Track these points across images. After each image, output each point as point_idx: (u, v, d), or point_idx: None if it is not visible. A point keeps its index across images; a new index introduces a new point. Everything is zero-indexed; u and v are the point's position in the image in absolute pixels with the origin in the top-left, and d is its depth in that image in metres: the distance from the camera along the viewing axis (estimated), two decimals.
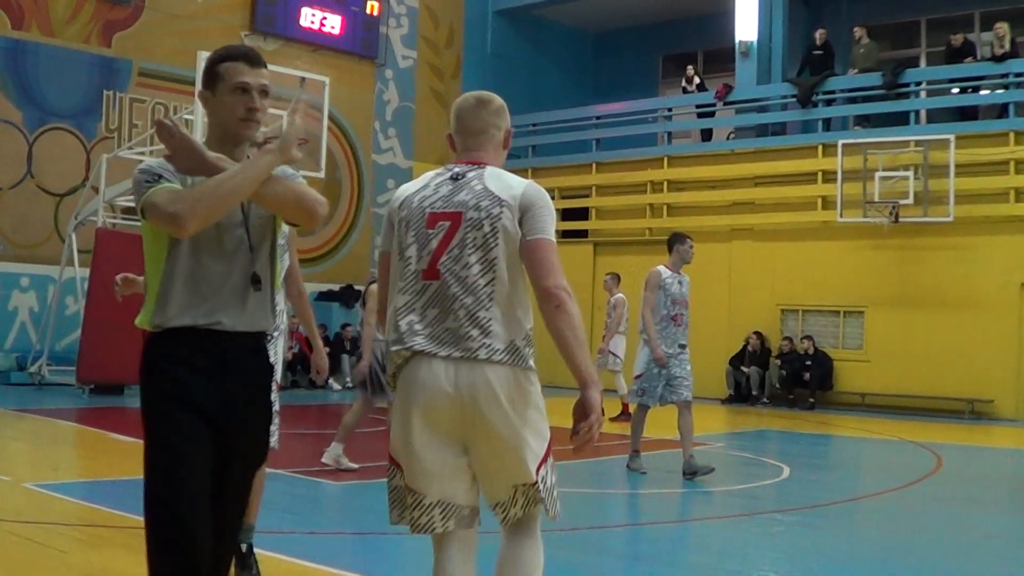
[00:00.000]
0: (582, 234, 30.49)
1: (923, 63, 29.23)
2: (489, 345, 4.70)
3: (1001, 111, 24.88)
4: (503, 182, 4.90)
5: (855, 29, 27.12)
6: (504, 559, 5.20)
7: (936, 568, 8.87)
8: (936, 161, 23.57)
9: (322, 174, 22.05)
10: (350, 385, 25.06)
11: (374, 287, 11.06)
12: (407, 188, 5.16)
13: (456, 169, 5.09)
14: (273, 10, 27.23)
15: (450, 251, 4.79)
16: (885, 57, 27.70)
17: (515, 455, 4.86)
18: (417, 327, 4.79)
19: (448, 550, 5.17)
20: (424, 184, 5.06)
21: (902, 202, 23.70)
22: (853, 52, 27.01)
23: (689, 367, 13.96)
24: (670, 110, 30.46)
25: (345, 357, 25.83)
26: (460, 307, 4.75)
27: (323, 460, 12.67)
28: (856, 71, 26.50)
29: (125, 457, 13.22)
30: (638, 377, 13.61)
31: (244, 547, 6.49)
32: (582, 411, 4.89)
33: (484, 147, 5.28)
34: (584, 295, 28.75)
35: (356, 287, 28.24)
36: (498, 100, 5.57)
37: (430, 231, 4.91)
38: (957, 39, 25.73)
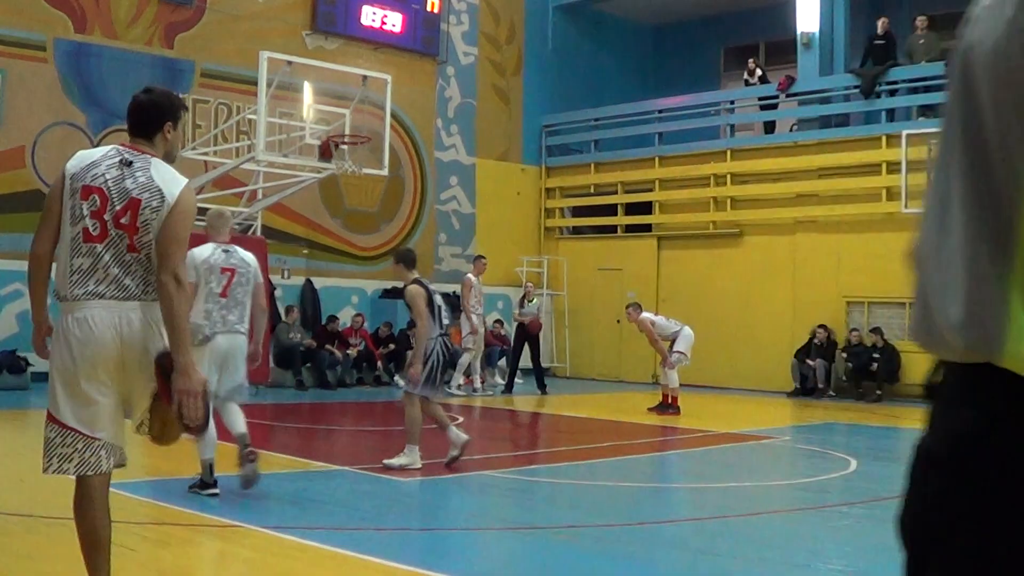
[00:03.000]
0: (646, 228, 30.45)
1: None
2: None
3: None
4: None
5: (917, 20, 26.87)
6: None
7: None
8: None
9: (385, 172, 22.14)
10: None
11: (416, 288, 12.46)
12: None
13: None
14: (334, 9, 27.31)
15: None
16: (948, 46, 27.43)
17: None
18: None
19: None
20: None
21: None
22: (911, 43, 26.75)
23: None
24: (732, 103, 30.32)
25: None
26: None
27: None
28: (916, 62, 26.30)
29: (192, 455, 13.31)
30: None
31: None
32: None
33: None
34: (649, 289, 28.78)
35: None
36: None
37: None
38: None
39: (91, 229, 5.65)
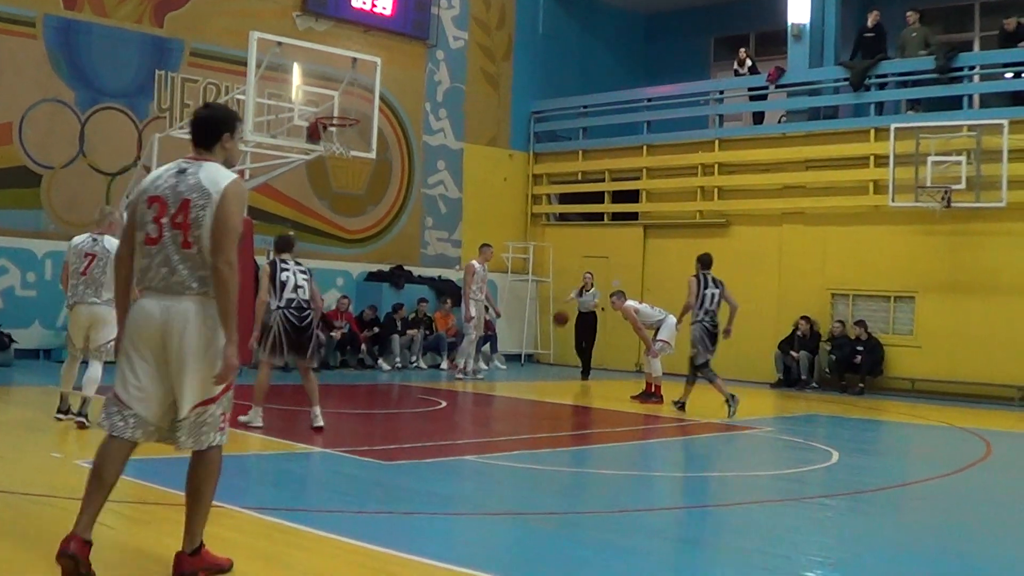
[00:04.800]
0: (632, 217, 30.46)
1: (976, 47, 28.99)
2: None
3: None
4: None
5: (907, 13, 26.88)
6: None
7: (985, 555, 8.83)
8: (989, 146, 23.37)
9: (373, 155, 22.06)
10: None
11: (266, 264, 14.49)
12: None
13: None
14: None
15: None
16: (938, 41, 27.49)
17: None
18: None
19: None
20: None
21: (954, 187, 23.50)
22: (903, 36, 26.77)
23: None
24: (721, 93, 30.30)
25: (395, 337, 25.89)
26: None
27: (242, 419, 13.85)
28: (908, 56, 26.30)
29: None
30: None
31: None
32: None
33: None
34: (634, 277, 28.77)
35: (406, 267, 28.26)
36: None
37: None
38: (1010, 23, 25.45)
39: (151, 233, 6.61)
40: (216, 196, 6.52)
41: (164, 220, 6.57)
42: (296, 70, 20.95)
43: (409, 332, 26.39)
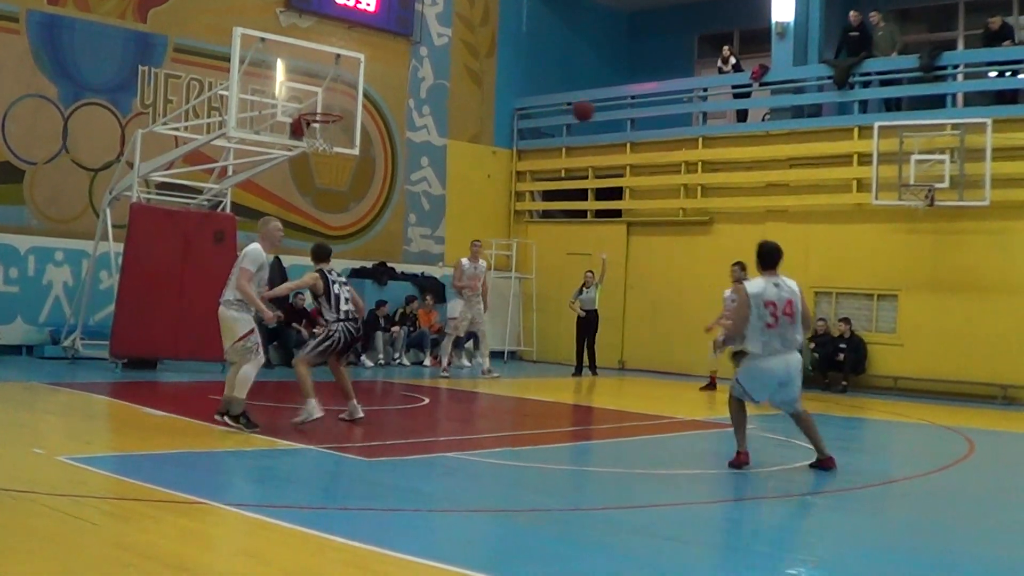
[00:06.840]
0: (615, 214, 30.46)
1: (960, 46, 29.02)
2: None
3: None
4: None
5: (871, 14, 26.87)
6: None
7: (967, 553, 8.84)
8: (973, 145, 23.40)
9: (356, 151, 22.01)
10: (381, 360, 25.34)
11: (314, 274, 14.65)
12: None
13: None
14: None
15: None
16: (922, 40, 27.50)
17: None
18: None
19: None
20: None
21: (938, 185, 23.51)
22: (874, 36, 26.79)
23: None
24: (705, 90, 30.32)
25: (379, 334, 25.86)
26: None
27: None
28: (891, 54, 26.32)
29: (157, 431, 13.27)
30: None
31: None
32: None
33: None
34: (617, 274, 28.70)
35: (389, 264, 28.22)
36: None
37: None
38: (995, 22, 25.50)
39: (769, 321, 11.56)
40: (799, 293, 11.69)
41: (777, 312, 11.56)
42: (279, 66, 20.93)
43: (392, 329, 26.37)
